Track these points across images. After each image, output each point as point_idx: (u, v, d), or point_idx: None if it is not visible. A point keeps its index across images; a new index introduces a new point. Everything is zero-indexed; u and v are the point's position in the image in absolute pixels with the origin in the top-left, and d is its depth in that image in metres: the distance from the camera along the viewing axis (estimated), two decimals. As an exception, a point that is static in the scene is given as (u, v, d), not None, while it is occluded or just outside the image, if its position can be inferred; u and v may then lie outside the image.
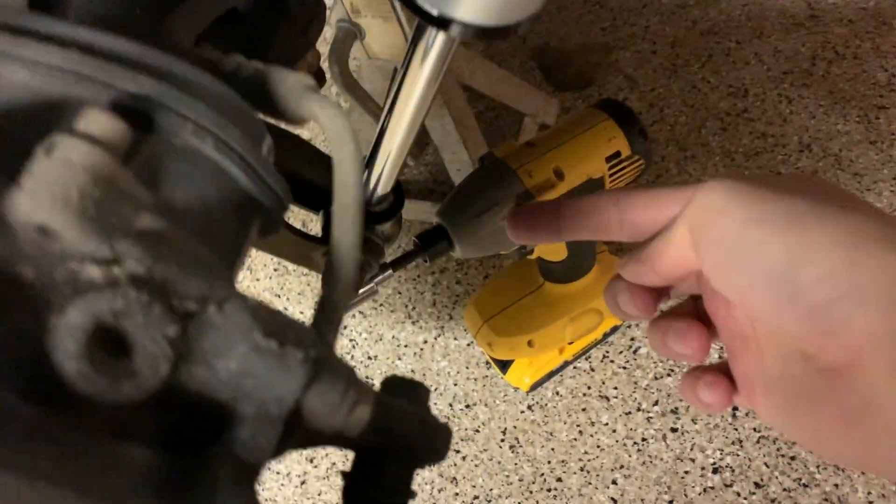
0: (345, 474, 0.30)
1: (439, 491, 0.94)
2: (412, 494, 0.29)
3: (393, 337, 1.03)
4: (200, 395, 0.21)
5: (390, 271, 0.64)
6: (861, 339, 0.25)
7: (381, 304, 1.06)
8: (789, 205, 0.27)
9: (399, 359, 1.02)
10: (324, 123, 0.26)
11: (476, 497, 0.93)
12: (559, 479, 0.92)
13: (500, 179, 0.66)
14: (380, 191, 0.50)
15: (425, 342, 1.02)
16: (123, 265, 0.20)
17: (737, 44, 1.13)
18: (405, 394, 0.30)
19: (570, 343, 0.89)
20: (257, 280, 1.13)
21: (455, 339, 1.02)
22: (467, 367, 1.00)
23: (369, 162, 0.48)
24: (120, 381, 0.19)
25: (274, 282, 1.12)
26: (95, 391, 0.19)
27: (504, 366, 0.93)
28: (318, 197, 0.53)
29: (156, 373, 0.20)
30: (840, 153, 1.00)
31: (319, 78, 0.64)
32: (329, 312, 0.24)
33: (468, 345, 1.01)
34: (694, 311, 0.38)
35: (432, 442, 0.29)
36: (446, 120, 0.93)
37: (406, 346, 1.02)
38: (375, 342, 1.04)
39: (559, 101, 1.13)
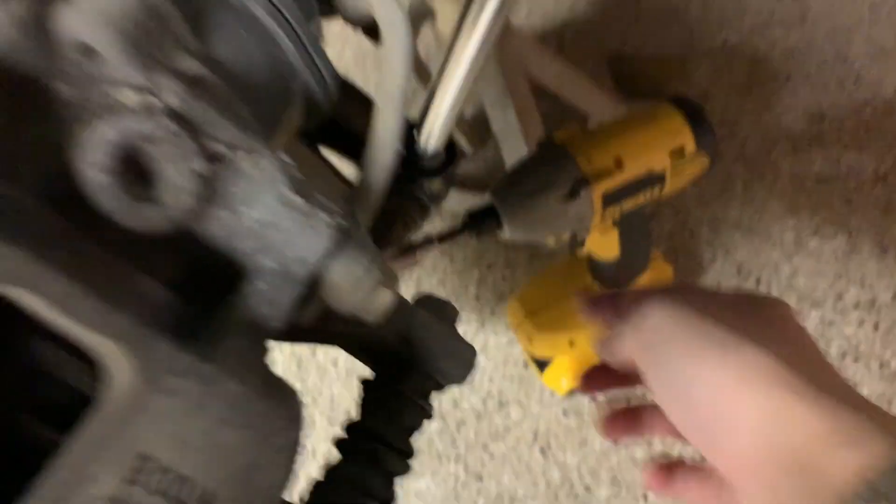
0: (365, 382, 0.29)
1: (462, 486, 0.92)
2: (429, 412, 0.28)
3: (433, 326, 1.02)
4: (224, 242, 0.21)
5: (435, 242, 0.63)
6: (734, 461, 0.29)
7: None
8: (705, 332, 0.32)
9: (437, 348, 1.00)
10: (378, 11, 0.26)
11: (499, 496, 0.91)
12: (587, 489, 0.89)
13: (557, 161, 0.65)
14: (431, 146, 0.49)
15: (464, 335, 1.00)
16: (160, 96, 0.20)
17: (818, 67, 1.10)
18: (434, 310, 0.29)
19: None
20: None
21: (495, 334, 1.00)
22: (504, 365, 0.98)
23: (422, 117, 0.48)
24: (142, 204, 0.19)
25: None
26: (117, 209, 0.19)
27: (542, 366, 0.91)
28: (357, 145, 0.53)
29: (180, 204, 0.19)
30: (918, 187, 0.96)
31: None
32: (363, 192, 0.24)
33: (507, 342, 0.99)
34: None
35: (456, 360, 0.28)
36: (509, 110, 0.92)
37: (445, 336, 1.01)
38: (415, 329, 1.03)
39: (628, 109, 1.11)
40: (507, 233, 0.65)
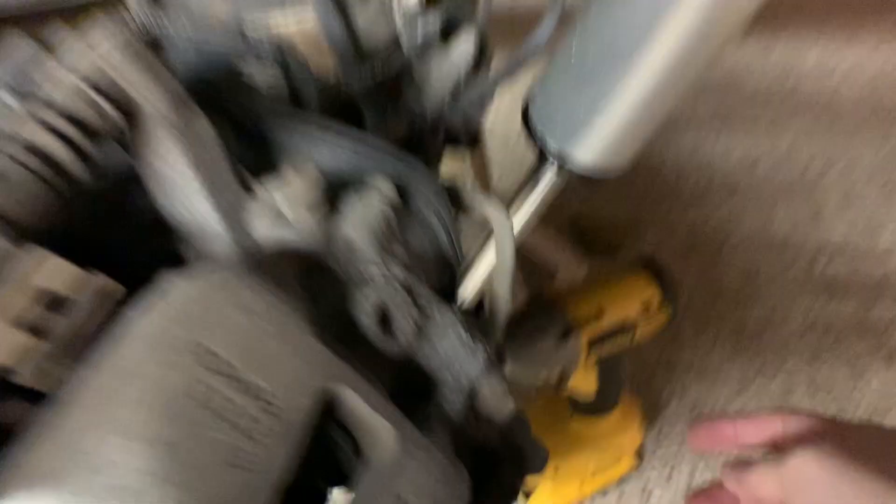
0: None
1: None
2: (518, 494, 0.39)
3: (422, 460, 1.10)
4: (423, 363, 0.32)
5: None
6: None
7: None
8: (859, 481, 0.33)
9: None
10: (493, 220, 0.39)
11: None
12: None
13: (550, 312, 0.78)
14: (465, 305, 0.62)
15: (452, 468, 1.09)
16: (392, 272, 0.32)
17: (748, 233, 1.29)
18: (518, 415, 0.41)
19: (592, 476, 0.97)
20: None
21: (480, 467, 1.09)
22: (489, 496, 1.06)
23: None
24: (388, 338, 0.31)
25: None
26: (376, 340, 0.31)
27: (527, 496, 1.00)
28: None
29: (406, 339, 0.32)
30: (840, 335, 1.13)
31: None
32: (493, 333, 0.36)
33: (492, 475, 1.08)
34: None
35: (535, 454, 0.39)
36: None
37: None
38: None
39: (588, 266, 1.27)
40: (508, 373, 0.77)
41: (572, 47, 0.43)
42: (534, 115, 0.47)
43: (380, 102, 0.57)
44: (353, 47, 0.53)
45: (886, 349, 1.11)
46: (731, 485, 0.41)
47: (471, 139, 0.90)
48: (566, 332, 0.78)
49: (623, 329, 0.81)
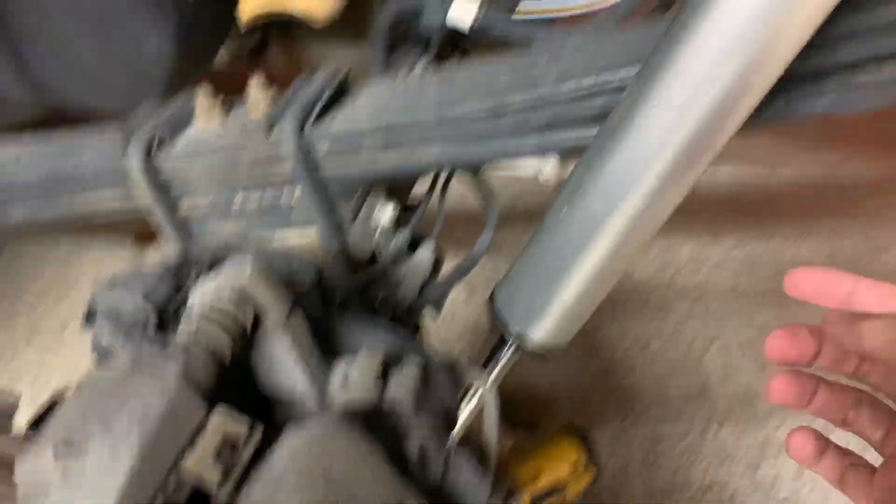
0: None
1: None
2: None
3: None
4: (447, 488, 0.45)
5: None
6: None
7: None
8: None
9: None
10: (482, 389, 0.53)
11: None
12: None
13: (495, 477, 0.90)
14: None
15: None
16: (425, 423, 0.45)
17: (647, 405, 1.46)
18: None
19: None
20: None
21: None
22: None
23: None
24: (425, 470, 0.43)
25: None
26: (418, 472, 0.43)
27: None
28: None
29: (439, 471, 0.44)
30: (735, 492, 1.29)
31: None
32: (487, 469, 0.49)
33: None
34: None
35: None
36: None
37: None
38: None
39: (512, 439, 1.40)
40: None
41: (530, 258, 0.59)
42: (498, 305, 0.63)
43: (363, 298, 0.72)
44: (345, 257, 0.69)
45: (775, 501, 1.27)
46: (837, 325, 0.38)
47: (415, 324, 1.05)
48: (509, 494, 0.89)
49: (556, 489, 0.93)
